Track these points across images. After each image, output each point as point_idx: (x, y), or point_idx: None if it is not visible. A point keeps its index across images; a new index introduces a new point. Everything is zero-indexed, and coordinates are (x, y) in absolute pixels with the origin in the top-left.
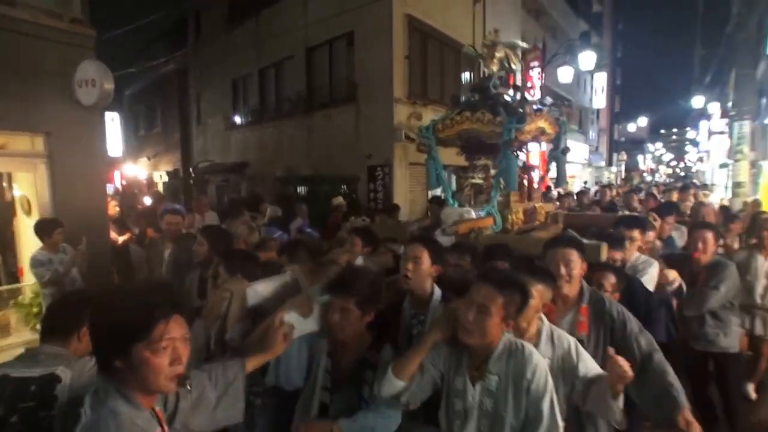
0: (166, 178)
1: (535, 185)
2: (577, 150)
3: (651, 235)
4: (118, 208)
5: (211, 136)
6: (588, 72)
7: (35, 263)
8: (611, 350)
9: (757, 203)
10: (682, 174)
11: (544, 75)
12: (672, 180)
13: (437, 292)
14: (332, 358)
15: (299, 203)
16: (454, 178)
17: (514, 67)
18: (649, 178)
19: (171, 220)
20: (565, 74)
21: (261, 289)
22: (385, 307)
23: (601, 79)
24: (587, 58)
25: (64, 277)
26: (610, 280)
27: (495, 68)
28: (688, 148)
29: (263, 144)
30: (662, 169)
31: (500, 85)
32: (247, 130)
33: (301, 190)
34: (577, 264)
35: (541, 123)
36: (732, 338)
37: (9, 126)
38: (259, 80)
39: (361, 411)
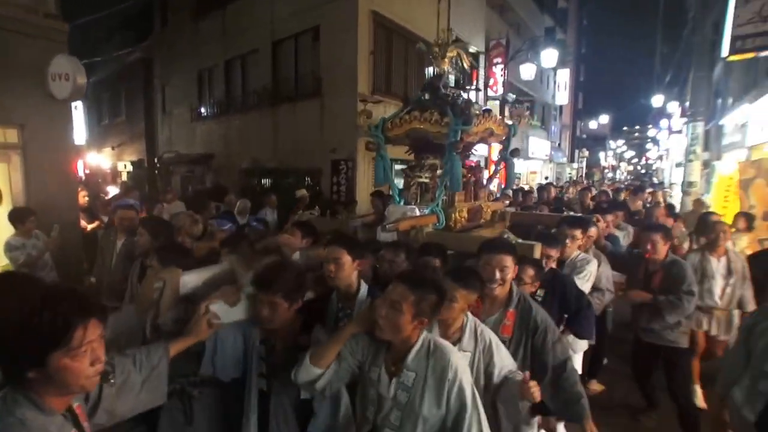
0: (130, 168)
1: (484, 183)
2: (539, 146)
3: (593, 231)
4: (87, 198)
5: (176, 127)
6: (551, 68)
7: (9, 248)
8: (527, 376)
9: (700, 202)
10: (643, 171)
11: (507, 71)
12: (632, 177)
13: (363, 287)
14: (265, 345)
15: (268, 194)
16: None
17: (465, 66)
18: (609, 175)
19: (124, 215)
20: (527, 71)
21: (195, 278)
22: (315, 297)
23: (564, 76)
24: (549, 56)
25: (37, 261)
26: (529, 272)
27: (446, 67)
28: (649, 145)
29: (229, 136)
30: (623, 166)
31: (450, 86)
32: (213, 122)
33: (266, 182)
34: (511, 269)
35: (490, 124)
36: (678, 334)
37: None
38: (225, 72)
39: None
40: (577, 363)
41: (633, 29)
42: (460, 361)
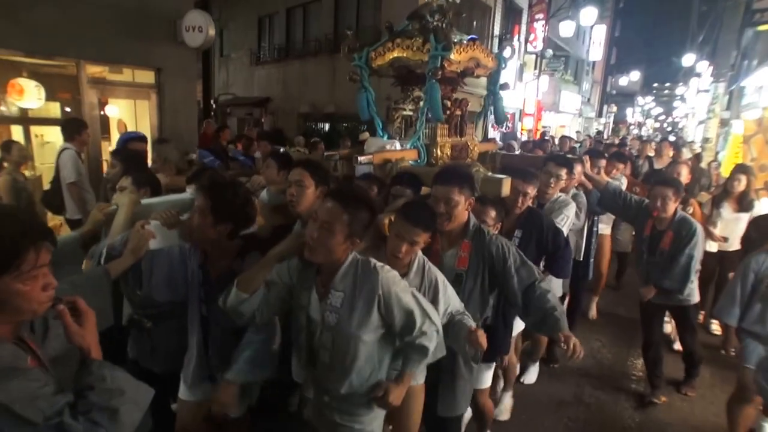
0: None
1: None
2: (570, 101)
3: (578, 170)
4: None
5: (234, 70)
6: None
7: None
8: (472, 327)
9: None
10: (669, 129)
11: (547, 27)
12: (657, 134)
13: None
14: (203, 270)
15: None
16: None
17: None
18: (635, 131)
19: (135, 147)
20: (566, 28)
21: (153, 203)
22: (276, 227)
23: (600, 32)
24: (588, 14)
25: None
26: (491, 213)
27: None
28: (677, 103)
29: (287, 81)
30: (649, 122)
31: (436, 13)
32: (272, 67)
33: (324, 126)
34: (459, 202)
35: (475, 53)
36: (690, 292)
37: (133, 62)
38: (286, 19)
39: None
40: None
41: None
42: (390, 274)
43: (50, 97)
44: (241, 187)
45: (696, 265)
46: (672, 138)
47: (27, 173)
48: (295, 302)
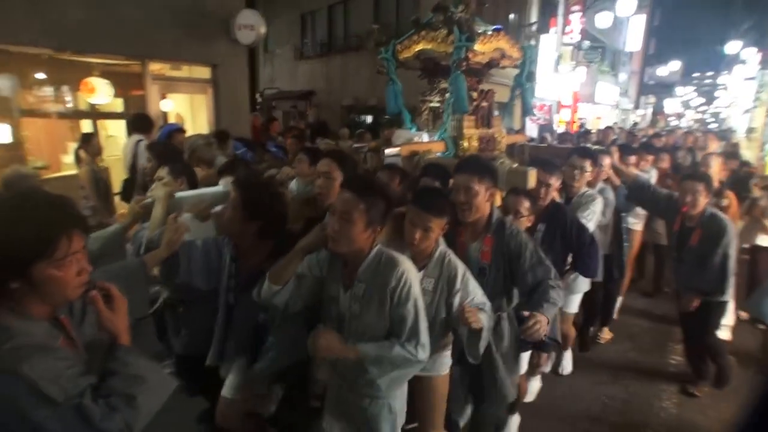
0: None
1: (496, 113)
2: (607, 92)
3: (606, 162)
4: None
5: (278, 65)
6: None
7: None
8: (466, 303)
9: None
10: (710, 120)
11: (585, 19)
12: (697, 125)
13: None
14: (235, 263)
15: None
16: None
17: None
18: (674, 122)
19: (178, 137)
20: (603, 19)
21: (185, 196)
22: (307, 220)
23: (638, 21)
24: (626, 5)
25: None
26: (525, 204)
27: None
28: (719, 93)
29: (330, 75)
30: (689, 113)
31: (460, 3)
32: (315, 61)
33: (366, 118)
34: (479, 192)
35: (501, 44)
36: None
37: (192, 59)
38: (328, 15)
39: (387, 342)
40: (575, 303)
41: None
42: (408, 272)
43: (117, 93)
44: (274, 187)
45: (732, 264)
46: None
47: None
48: (326, 294)
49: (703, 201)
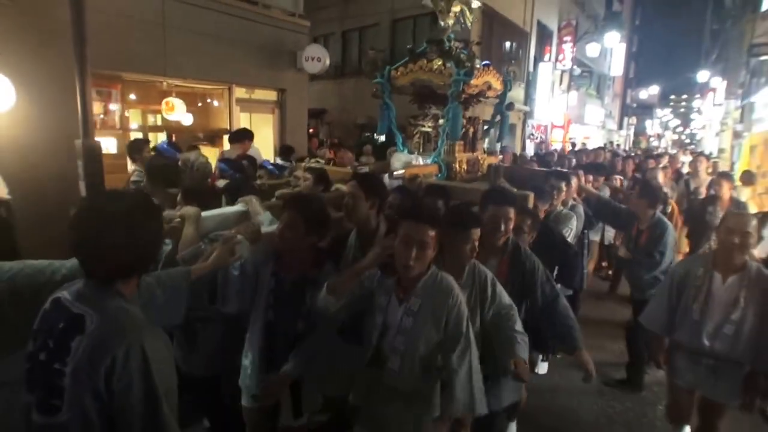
0: None
1: (479, 137)
2: (594, 113)
3: (574, 183)
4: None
5: None
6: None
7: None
8: (518, 360)
9: None
10: (687, 141)
11: (576, 48)
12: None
13: (383, 227)
14: (276, 277)
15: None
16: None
17: (468, 23)
18: (655, 143)
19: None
20: (592, 50)
21: (212, 216)
22: (334, 237)
23: (620, 49)
24: (612, 37)
25: None
26: (527, 222)
27: (450, 22)
28: (694, 115)
29: (343, 94)
30: (668, 134)
31: (454, 39)
32: (328, 82)
33: (381, 138)
34: (512, 220)
35: (489, 78)
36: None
37: (263, 84)
38: (342, 40)
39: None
40: None
41: (685, 2)
42: (459, 292)
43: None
44: (323, 201)
45: (666, 260)
46: (690, 149)
47: None
48: (374, 303)
49: (649, 212)
